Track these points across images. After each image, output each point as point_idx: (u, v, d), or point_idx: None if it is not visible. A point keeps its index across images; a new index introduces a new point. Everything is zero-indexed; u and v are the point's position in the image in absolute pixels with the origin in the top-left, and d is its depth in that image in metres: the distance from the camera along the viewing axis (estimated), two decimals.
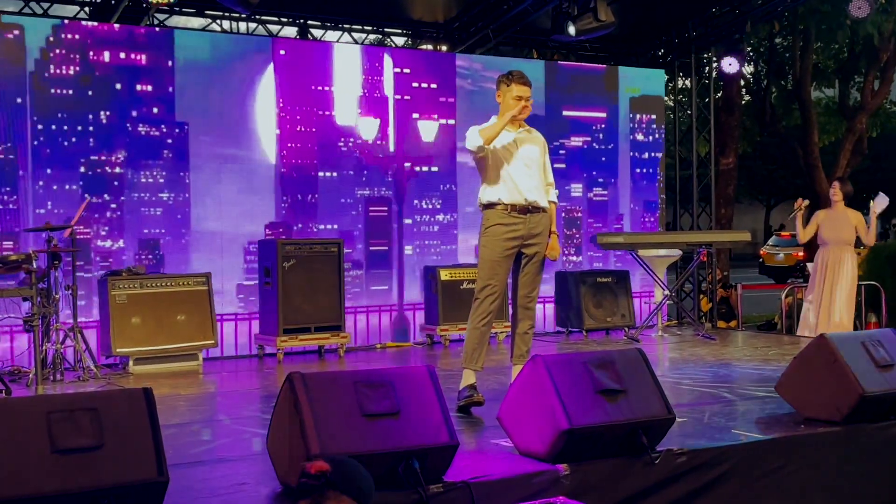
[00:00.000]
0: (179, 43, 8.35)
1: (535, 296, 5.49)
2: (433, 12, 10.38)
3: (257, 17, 9.44)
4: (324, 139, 8.92)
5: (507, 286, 5.40)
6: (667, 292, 9.49)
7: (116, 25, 8.14)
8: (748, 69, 18.35)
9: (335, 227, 8.96)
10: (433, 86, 9.51)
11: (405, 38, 10.82)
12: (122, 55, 8.10)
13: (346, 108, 9.04)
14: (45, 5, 8.46)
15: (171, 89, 8.25)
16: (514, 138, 5.34)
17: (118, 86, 8.05)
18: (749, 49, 17.01)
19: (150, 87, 8.18)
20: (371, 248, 9.16)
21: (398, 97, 9.30)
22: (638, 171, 10.60)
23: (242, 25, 9.47)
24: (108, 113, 7.99)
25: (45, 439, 3.02)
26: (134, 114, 8.12)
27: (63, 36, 7.87)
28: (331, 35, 10.03)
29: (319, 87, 8.95)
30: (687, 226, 11.12)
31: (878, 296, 9.88)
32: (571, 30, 8.92)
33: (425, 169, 9.44)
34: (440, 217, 9.49)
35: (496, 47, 10.55)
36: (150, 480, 3.12)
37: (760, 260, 26.15)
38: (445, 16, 10.42)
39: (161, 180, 8.20)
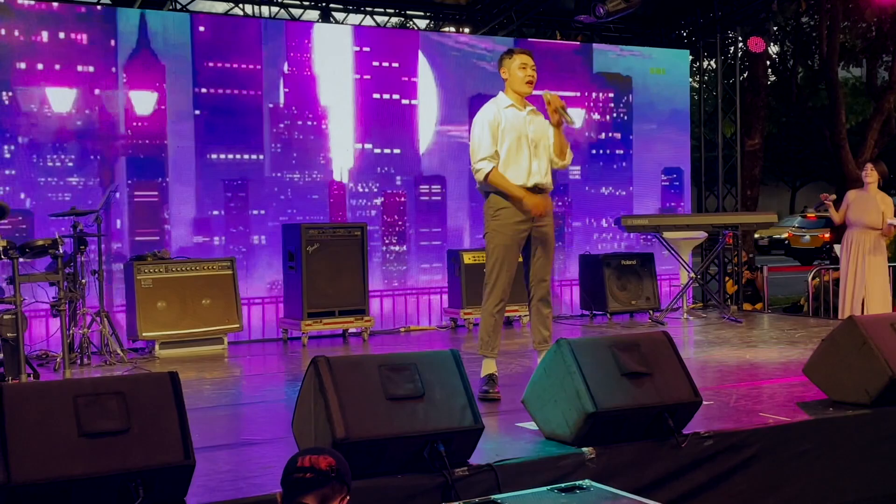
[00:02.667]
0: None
1: (549, 278, 5.35)
2: None
3: (281, 0, 9.42)
4: (247, 119, 8.54)
5: (517, 270, 5.28)
6: (692, 275, 9.42)
7: (56, 3, 7.88)
8: (774, 49, 18.14)
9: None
10: (395, 65, 9.24)
11: (428, 21, 10.76)
12: (62, 35, 7.81)
13: (272, 87, 8.64)
14: None
15: (113, 69, 8.00)
16: (523, 119, 5.23)
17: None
18: (775, 29, 16.81)
19: (91, 68, 7.92)
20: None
21: (358, 76, 9.03)
22: (594, 151, 10.28)
23: (265, 9, 9.45)
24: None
25: (73, 423, 3.04)
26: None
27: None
28: (353, 18, 10.00)
29: (248, 66, 8.57)
30: (712, 208, 11.03)
31: None
32: (602, 10, 8.85)
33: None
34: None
35: (519, 29, 10.48)
36: (177, 464, 3.14)
37: (786, 242, 25.93)
38: None
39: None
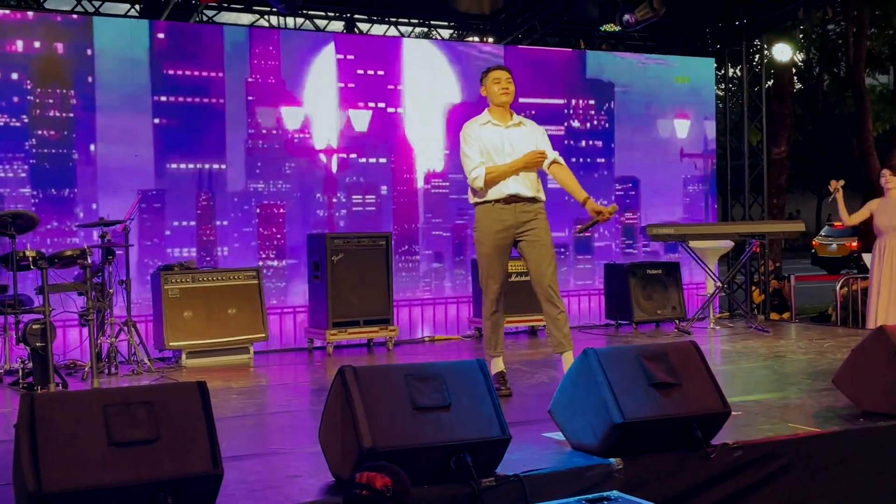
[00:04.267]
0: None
1: (553, 280, 5.41)
2: (480, 4, 10.35)
3: (305, 11, 9.48)
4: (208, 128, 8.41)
5: (507, 276, 5.54)
6: (718, 284, 9.36)
7: (31, 13, 7.91)
8: (799, 56, 18.03)
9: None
10: (380, 73, 9.13)
11: (451, 31, 10.80)
12: (37, 44, 7.80)
13: (235, 95, 8.50)
14: (97, 4, 8.58)
15: (90, 79, 7.98)
16: (502, 135, 5.48)
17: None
18: (801, 36, 16.71)
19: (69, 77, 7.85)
20: None
21: (341, 85, 8.94)
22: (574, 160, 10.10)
23: (290, 21, 9.52)
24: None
25: (103, 432, 3.05)
26: (50, 101, 7.80)
27: None
28: (377, 29, 10.05)
29: (211, 74, 8.42)
30: (738, 216, 10.95)
31: None
32: (632, 19, 8.84)
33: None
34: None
35: (543, 38, 10.48)
36: (206, 473, 3.15)
37: (813, 251, 25.71)
38: (492, 8, 10.38)
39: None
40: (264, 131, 8.60)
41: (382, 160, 9.10)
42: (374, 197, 9.06)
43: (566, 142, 9.93)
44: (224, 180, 8.45)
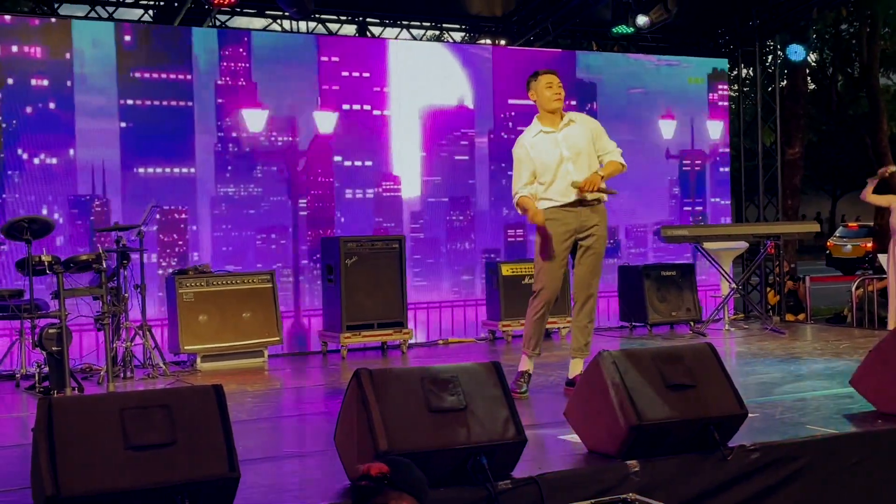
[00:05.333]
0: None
1: (595, 290, 5.50)
2: (491, 7, 10.35)
3: (316, 15, 9.50)
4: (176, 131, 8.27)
5: (562, 281, 5.52)
6: (733, 285, 9.32)
7: (8, 17, 7.88)
8: (813, 57, 17.96)
9: None
10: (365, 75, 9.00)
11: (463, 34, 10.80)
12: (14, 48, 7.73)
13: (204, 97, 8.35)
14: (111, 9, 8.62)
15: (69, 83, 7.91)
16: (554, 140, 5.42)
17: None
18: (814, 36, 16.65)
19: (45, 82, 7.83)
20: None
21: (325, 87, 8.83)
22: None
23: (303, 25, 9.54)
24: None
25: (120, 436, 3.06)
26: (28, 109, 7.79)
27: None
28: (389, 32, 10.06)
29: (179, 76, 8.29)
30: (753, 217, 10.91)
31: None
32: (643, 21, 8.83)
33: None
34: None
35: (555, 40, 10.47)
36: (223, 476, 3.15)
37: (827, 252, 25.57)
38: (504, 10, 10.37)
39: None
40: (234, 134, 8.45)
41: (360, 163, 8.96)
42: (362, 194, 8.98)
43: None
44: (193, 184, 8.32)
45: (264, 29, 9.47)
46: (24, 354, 6.83)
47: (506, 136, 9.41)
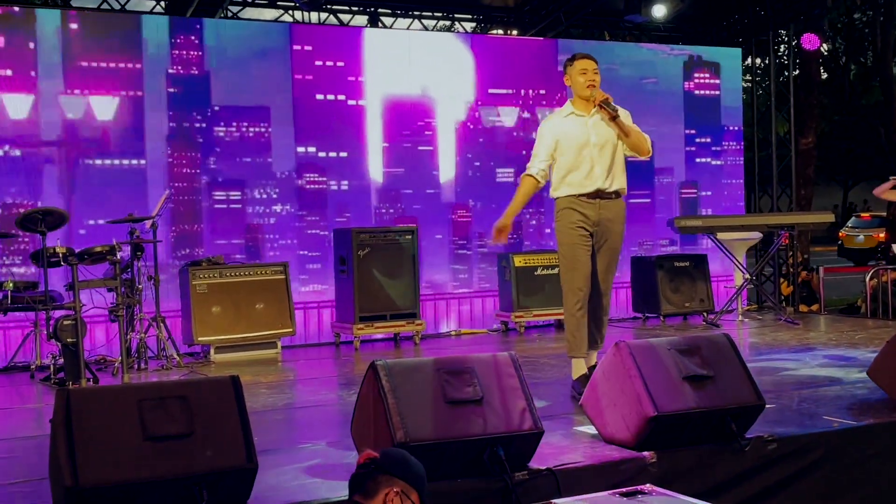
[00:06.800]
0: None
1: (611, 285, 5.37)
2: None
3: (329, 6, 9.48)
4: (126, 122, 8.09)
5: (591, 270, 5.26)
6: (747, 276, 9.28)
7: None
8: (825, 46, 17.86)
9: None
10: (339, 64, 8.84)
11: (475, 24, 10.76)
12: None
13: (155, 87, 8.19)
14: (123, 1, 8.62)
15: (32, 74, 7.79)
16: (584, 125, 5.26)
17: None
18: (825, 27, 16.55)
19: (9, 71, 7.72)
20: None
21: (299, 77, 8.70)
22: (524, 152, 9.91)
23: (314, 16, 9.52)
24: None
25: (138, 427, 3.06)
26: None
27: None
28: (401, 22, 10.03)
29: (128, 65, 8.10)
30: (766, 208, 10.86)
31: None
32: (659, 11, 8.79)
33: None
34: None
35: (567, 30, 10.43)
36: (241, 467, 3.15)
37: (839, 242, 25.45)
38: (516, 0, 10.33)
39: None
40: (185, 124, 8.29)
41: (343, 154, 8.88)
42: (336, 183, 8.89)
43: (515, 133, 9.59)
44: (144, 177, 8.17)
45: (275, 20, 9.45)
46: (38, 346, 6.86)
47: (488, 126, 9.39)
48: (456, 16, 10.52)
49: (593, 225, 5.23)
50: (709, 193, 10.55)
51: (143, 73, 8.14)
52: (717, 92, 10.53)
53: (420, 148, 9.18)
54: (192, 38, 8.33)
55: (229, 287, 7.58)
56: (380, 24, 9.85)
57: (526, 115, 9.63)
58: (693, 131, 10.47)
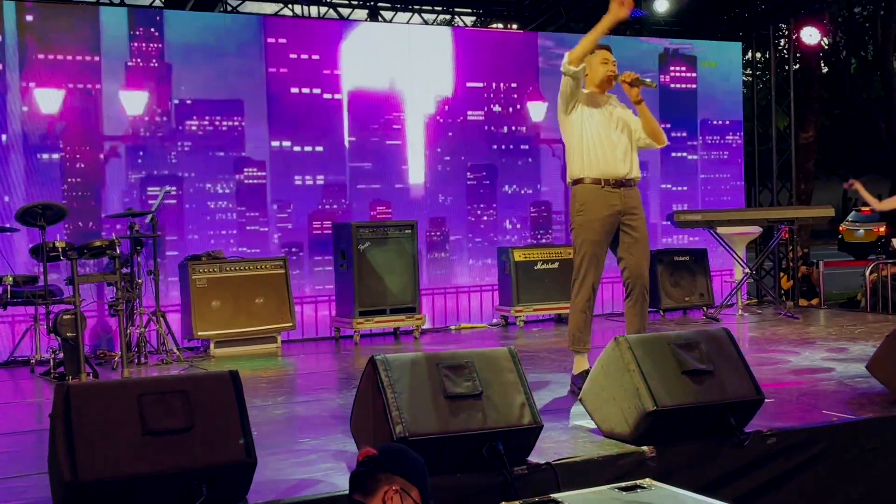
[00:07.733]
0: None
1: (647, 276, 5.20)
2: None
3: (328, 0, 9.46)
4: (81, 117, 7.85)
5: (604, 266, 5.13)
6: (747, 270, 9.28)
7: None
8: (826, 40, 17.83)
9: None
10: (315, 57, 8.63)
11: (475, 18, 10.75)
12: None
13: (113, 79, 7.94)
14: None
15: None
16: (604, 105, 5.08)
17: None
18: (825, 21, 16.53)
19: None
20: None
21: (273, 70, 8.50)
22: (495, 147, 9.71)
23: (314, 10, 9.50)
24: None
25: (138, 421, 3.07)
26: None
27: None
28: (401, 16, 10.02)
29: (85, 58, 7.86)
30: (766, 202, 10.85)
31: None
32: (661, 6, 8.78)
33: None
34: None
35: (567, 24, 10.42)
36: (240, 462, 3.16)
37: (839, 236, 25.43)
38: None
39: None
40: (146, 118, 8.07)
41: (319, 149, 8.71)
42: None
43: (486, 127, 9.40)
44: (103, 171, 7.96)
45: (275, 14, 9.43)
46: (38, 340, 6.86)
47: (469, 119, 9.31)
48: (456, 10, 10.51)
49: (619, 214, 5.01)
50: (685, 188, 10.41)
51: (101, 64, 7.90)
52: (694, 86, 10.43)
53: (388, 142, 9.01)
54: (152, 30, 8.11)
55: (229, 281, 7.58)
56: (380, 19, 9.83)
57: (497, 108, 9.49)
58: (668, 125, 10.29)
